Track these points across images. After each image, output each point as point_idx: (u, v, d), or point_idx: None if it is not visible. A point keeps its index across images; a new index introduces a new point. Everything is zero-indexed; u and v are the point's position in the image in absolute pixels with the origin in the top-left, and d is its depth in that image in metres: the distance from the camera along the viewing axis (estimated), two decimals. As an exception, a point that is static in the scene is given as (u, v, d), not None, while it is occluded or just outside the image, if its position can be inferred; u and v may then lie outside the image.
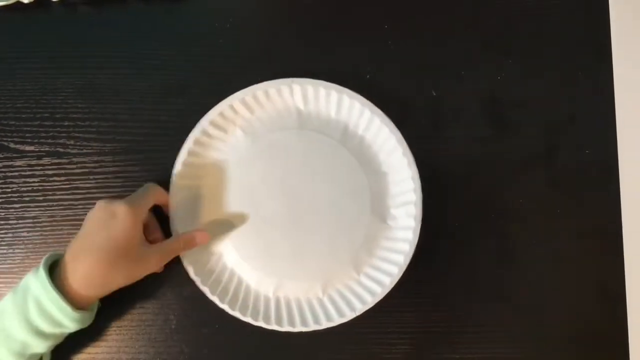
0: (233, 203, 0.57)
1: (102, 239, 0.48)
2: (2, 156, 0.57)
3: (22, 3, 0.58)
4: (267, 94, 0.57)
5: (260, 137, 0.57)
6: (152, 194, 0.54)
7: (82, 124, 0.58)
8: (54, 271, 0.49)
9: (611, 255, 0.58)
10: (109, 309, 0.55)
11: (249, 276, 0.56)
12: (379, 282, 0.56)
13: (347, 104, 0.57)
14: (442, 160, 0.58)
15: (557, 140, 0.59)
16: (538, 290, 0.58)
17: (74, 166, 0.57)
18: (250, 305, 0.55)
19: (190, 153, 0.56)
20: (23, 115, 0.58)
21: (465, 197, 0.59)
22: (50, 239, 0.57)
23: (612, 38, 0.61)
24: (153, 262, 0.52)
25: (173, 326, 0.56)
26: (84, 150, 0.57)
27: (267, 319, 0.55)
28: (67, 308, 0.47)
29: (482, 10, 0.61)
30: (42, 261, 0.49)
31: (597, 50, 0.61)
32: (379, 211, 0.57)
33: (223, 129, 0.57)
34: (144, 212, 0.52)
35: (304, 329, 0.55)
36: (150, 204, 0.53)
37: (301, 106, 0.58)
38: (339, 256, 0.56)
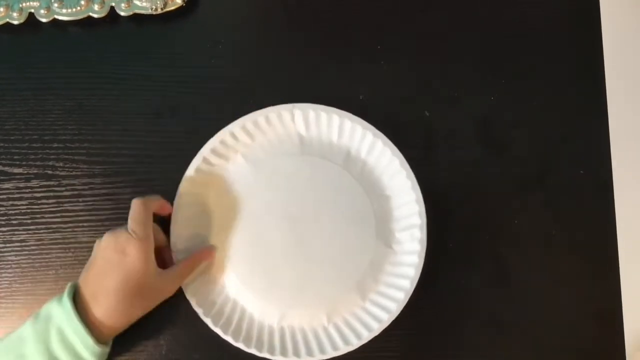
0: (235, 231, 0.56)
1: (118, 282, 0.48)
2: (-11, 179, 0.57)
3: (12, 24, 0.57)
4: (268, 119, 0.57)
5: (262, 163, 0.57)
6: (150, 213, 0.52)
7: (72, 145, 0.57)
8: (75, 302, 0.48)
9: (607, 275, 0.58)
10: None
11: (253, 306, 0.56)
12: (385, 309, 0.55)
13: (349, 127, 0.57)
14: (436, 182, 0.58)
15: (551, 161, 0.59)
16: (534, 312, 0.57)
17: (63, 188, 0.56)
18: (255, 336, 0.54)
19: (192, 181, 0.55)
20: (12, 137, 0.57)
21: (460, 219, 0.58)
22: (38, 262, 0.56)
23: (605, 57, 0.61)
24: (169, 289, 0.52)
25: (163, 352, 0.55)
26: (73, 173, 0.56)
27: (271, 349, 0.54)
28: (90, 341, 0.46)
29: (474, 32, 0.61)
30: (66, 290, 0.49)
31: (589, 69, 0.60)
32: (384, 235, 0.56)
33: (224, 157, 0.57)
34: (152, 241, 0.51)
35: (309, 359, 0.54)
36: (152, 226, 0.52)
37: (303, 131, 0.57)
38: (344, 283, 0.55)
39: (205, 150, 0.56)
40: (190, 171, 0.55)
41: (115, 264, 0.48)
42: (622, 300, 0.57)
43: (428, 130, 0.59)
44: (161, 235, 0.55)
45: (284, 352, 0.54)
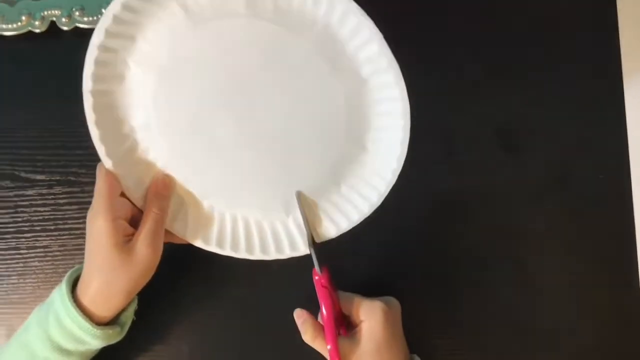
0: (167, 115, 0.47)
1: (87, 260, 0.48)
2: (13, 185, 0.57)
3: (34, 32, 0.58)
4: None
5: (204, 23, 0.45)
6: (108, 183, 0.48)
7: (94, 152, 0.56)
8: (77, 287, 0.48)
9: (627, 279, 0.58)
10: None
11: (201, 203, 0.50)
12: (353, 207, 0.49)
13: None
14: (455, 187, 0.58)
15: (570, 165, 0.59)
16: (554, 316, 0.58)
17: (86, 195, 0.57)
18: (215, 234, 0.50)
19: (109, 34, 0.45)
20: (34, 144, 0.58)
21: (479, 223, 0.58)
22: (61, 268, 0.57)
23: (623, 61, 0.61)
24: (143, 255, 0.47)
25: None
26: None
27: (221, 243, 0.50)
28: (86, 324, 0.46)
29: (491, 36, 0.61)
30: (67, 273, 0.49)
31: (607, 73, 0.61)
32: (355, 133, 0.49)
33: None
34: (109, 211, 0.47)
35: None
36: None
37: None
38: (300, 182, 0.49)
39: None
40: (106, 20, 0.44)
41: (86, 242, 0.48)
42: (642, 304, 0.58)
43: (448, 135, 0.59)
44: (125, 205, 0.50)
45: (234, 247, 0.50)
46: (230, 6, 0.45)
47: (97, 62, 0.46)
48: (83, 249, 0.57)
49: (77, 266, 0.50)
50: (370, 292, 0.53)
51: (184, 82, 0.47)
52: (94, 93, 0.47)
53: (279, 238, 0.51)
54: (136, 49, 0.47)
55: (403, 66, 0.58)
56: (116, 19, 0.45)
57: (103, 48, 0.46)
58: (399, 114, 0.46)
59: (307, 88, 0.47)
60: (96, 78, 0.46)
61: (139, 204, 0.50)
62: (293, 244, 0.50)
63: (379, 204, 0.49)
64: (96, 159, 0.57)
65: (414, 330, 0.55)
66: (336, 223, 0.50)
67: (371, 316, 0.49)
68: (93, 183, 0.57)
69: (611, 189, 0.59)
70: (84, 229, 0.58)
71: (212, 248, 0.51)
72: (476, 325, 0.58)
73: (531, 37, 0.61)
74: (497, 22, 0.61)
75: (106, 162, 0.48)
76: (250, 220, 0.51)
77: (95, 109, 0.47)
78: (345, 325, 0.51)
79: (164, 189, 0.50)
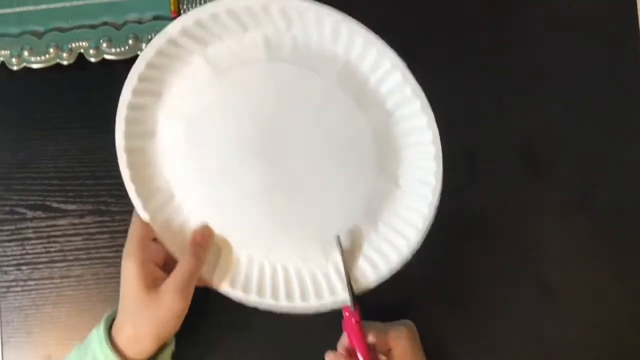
0: (198, 165, 0.47)
1: (121, 305, 0.48)
2: (45, 216, 0.58)
3: (61, 64, 0.59)
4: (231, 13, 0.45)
5: (226, 72, 0.46)
6: (143, 230, 0.49)
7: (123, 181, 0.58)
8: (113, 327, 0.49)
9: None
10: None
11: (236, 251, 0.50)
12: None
13: (345, 33, 0.46)
14: (478, 204, 0.58)
15: (594, 183, 0.59)
16: (577, 332, 0.57)
17: (117, 224, 0.58)
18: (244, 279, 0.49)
19: (136, 92, 0.46)
20: (65, 175, 0.59)
21: (502, 241, 0.58)
22: (94, 297, 0.57)
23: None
24: (169, 305, 0.47)
25: None
26: (126, 208, 0.57)
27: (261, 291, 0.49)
28: None
29: (513, 52, 0.61)
30: (105, 316, 0.49)
31: (631, 91, 0.60)
32: (386, 167, 0.48)
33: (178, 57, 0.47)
34: (139, 258, 0.48)
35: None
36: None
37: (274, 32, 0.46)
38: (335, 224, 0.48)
39: (149, 52, 0.46)
40: (132, 80, 0.46)
41: (120, 283, 0.49)
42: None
43: (470, 153, 0.59)
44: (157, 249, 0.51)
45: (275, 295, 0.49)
46: (250, 53, 0.45)
47: (128, 121, 0.47)
48: (115, 277, 0.58)
49: (113, 309, 0.50)
50: (393, 310, 0.54)
51: (212, 131, 0.47)
52: (127, 150, 0.47)
53: (318, 285, 0.49)
54: (163, 103, 0.48)
55: (423, 86, 0.59)
56: (141, 78, 0.46)
57: (132, 106, 0.47)
58: (429, 143, 0.46)
59: (333, 126, 0.46)
60: (128, 135, 0.47)
61: (172, 251, 0.50)
62: (332, 290, 0.49)
63: (418, 241, 0.48)
64: (125, 188, 0.59)
65: (435, 345, 0.55)
66: (376, 266, 0.49)
67: (399, 342, 0.49)
68: (123, 212, 0.59)
69: (635, 206, 0.59)
70: (116, 257, 0.59)
71: (252, 297, 0.49)
72: (499, 342, 0.57)
73: (550, 54, 0.61)
74: (519, 40, 0.61)
75: (143, 215, 0.49)
76: (290, 268, 0.50)
77: (129, 165, 0.48)
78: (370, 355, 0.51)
79: (202, 239, 0.50)
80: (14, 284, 0.58)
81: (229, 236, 0.50)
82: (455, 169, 0.59)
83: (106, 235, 0.58)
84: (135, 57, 0.58)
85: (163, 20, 0.59)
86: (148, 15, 0.59)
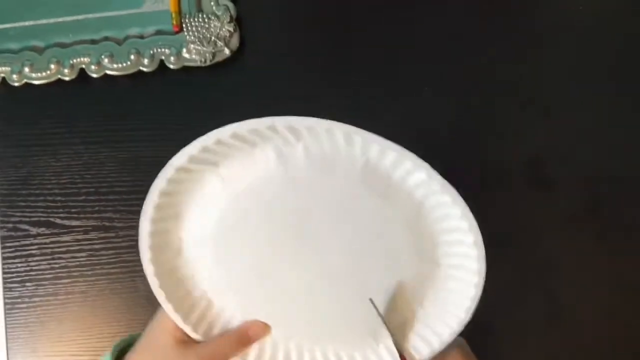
0: (230, 277, 0.48)
1: None
2: (49, 232, 0.58)
3: (63, 80, 0.59)
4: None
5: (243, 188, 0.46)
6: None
7: (127, 197, 0.58)
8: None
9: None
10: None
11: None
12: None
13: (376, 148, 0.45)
14: (484, 217, 0.58)
15: (601, 195, 0.59)
16: (587, 347, 0.58)
17: (121, 239, 0.58)
18: None
19: (154, 220, 0.46)
20: (68, 191, 0.59)
21: (510, 252, 0.58)
22: (99, 313, 0.57)
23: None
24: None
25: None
26: (130, 224, 0.58)
27: None
28: None
29: (519, 68, 0.61)
30: (113, 345, 0.47)
31: (636, 102, 0.60)
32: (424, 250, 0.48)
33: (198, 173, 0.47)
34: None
35: None
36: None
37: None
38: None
39: (160, 182, 0.45)
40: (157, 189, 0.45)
41: (150, 322, 0.46)
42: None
43: (477, 166, 0.59)
44: None
45: None
46: (262, 166, 0.45)
47: (152, 248, 0.46)
48: (119, 293, 0.59)
49: (122, 338, 0.48)
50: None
51: (238, 243, 0.46)
52: (157, 275, 0.47)
53: None
54: (184, 223, 0.47)
55: (430, 99, 0.59)
56: (156, 207, 0.46)
57: (153, 235, 0.46)
58: (467, 231, 0.45)
59: (362, 223, 0.46)
60: (155, 262, 0.47)
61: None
62: None
63: (467, 319, 0.47)
64: (130, 204, 0.59)
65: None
66: (429, 342, 0.48)
67: None
68: (127, 227, 0.59)
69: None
70: (120, 273, 0.59)
71: None
72: (506, 355, 0.58)
73: (556, 70, 0.61)
74: (524, 53, 0.61)
75: (184, 328, 0.47)
76: (343, 355, 0.49)
77: (162, 286, 0.47)
78: None
79: (254, 335, 0.47)
80: (19, 300, 0.58)
81: (275, 333, 0.49)
82: (464, 180, 0.59)
83: (110, 251, 0.58)
84: (137, 72, 0.59)
85: (165, 34, 0.59)
86: (150, 29, 0.59)
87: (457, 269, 0.48)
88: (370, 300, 0.48)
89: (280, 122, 0.43)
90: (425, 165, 0.44)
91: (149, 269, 0.47)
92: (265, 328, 0.48)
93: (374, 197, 0.45)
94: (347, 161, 0.45)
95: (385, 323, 0.48)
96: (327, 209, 0.46)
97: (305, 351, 0.50)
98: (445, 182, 0.44)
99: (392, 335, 0.47)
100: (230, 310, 0.49)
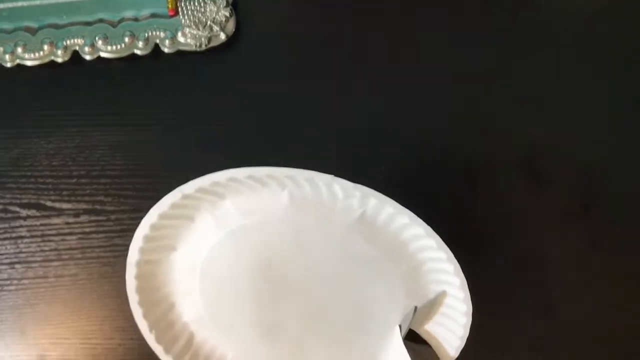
0: (225, 321, 0.48)
1: None
2: (39, 214, 0.58)
3: (56, 61, 0.58)
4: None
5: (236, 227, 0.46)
6: None
7: (119, 181, 0.58)
8: None
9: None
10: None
11: None
12: None
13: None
14: (476, 213, 0.58)
15: (595, 193, 0.59)
16: (577, 346, 0.58)
17: (112, 223, 0.57)
18: None
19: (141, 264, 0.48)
20: (59, 174, 0.58)
21: (501, 251, 0.58)
22: (89, 296, 0.57)
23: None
24: None
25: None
26: (122, 207, 0.58)
27: None
28: None
29: (512, 62, 0.60)
30: None
31: (633, 98, 0.60)
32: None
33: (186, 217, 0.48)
34: None
35: None
36: None
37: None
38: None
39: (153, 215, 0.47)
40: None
41: None
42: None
43: (469, 163, 0.59)
44: None
45: None
46: (255, 206, 0.45)
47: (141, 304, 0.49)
48: (110, 277, 0.58)
49: None
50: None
51: (232, 287, 0.47)
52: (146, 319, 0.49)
53: None
54: (174, 262, 0.49)
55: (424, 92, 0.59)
56: (148, 239, 0.48)
57: (139, 277, 0.49)
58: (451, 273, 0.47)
59: (355, 272, 0.46)
60: (144, 305, 0.49)
61: None
62: None
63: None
64: (122, 187, 0.58)
65: None
66: None
67: None
68: (119, 211, 0.58)
69: (637, 216, 0.59)
70: (111, 257, 0.59)
71: None
72: (495, 354, 0.58)
73: (550, 65, 0.60)
74: (520, 48, 0.61)
75: None
76: None
77: (158, 342, 0.49)
78: None
79: None
80: (7, 282, 0.57)
81: None
82: (455, 176, 0.59)
83: (101, 235, 0.57)
84: (131, 55, 0.58)
85: (160, 17, 0.58)
86: (145, 12, 0.58)
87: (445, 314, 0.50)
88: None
89: (259, 172, 0.43)
90: (420, 222, 0.44)
91: (137, 313, 0.48)
92: None
93: (369, 249, 0.45)
94: (343, 211, 0.44)
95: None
96: (321, 262, 0.45)
97: None
98: (441, 241, 0.46)
99: None
100: (213, 340, 0.50)
